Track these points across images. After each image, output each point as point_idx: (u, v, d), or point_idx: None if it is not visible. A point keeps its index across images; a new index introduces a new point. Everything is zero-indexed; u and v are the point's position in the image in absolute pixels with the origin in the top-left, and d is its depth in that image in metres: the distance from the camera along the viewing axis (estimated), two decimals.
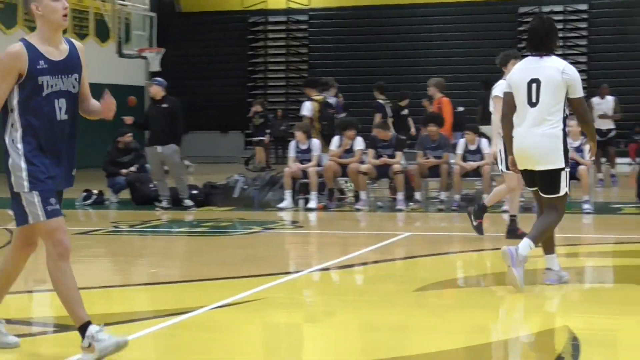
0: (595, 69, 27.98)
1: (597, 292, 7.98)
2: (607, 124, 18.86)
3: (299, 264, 9.87)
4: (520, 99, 7.59)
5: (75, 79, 5.30)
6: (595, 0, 28.94)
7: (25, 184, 5.13)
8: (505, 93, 7.83)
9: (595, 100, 19.06)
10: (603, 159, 18.78)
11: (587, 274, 9.06)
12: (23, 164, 5.14)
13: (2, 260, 5.58)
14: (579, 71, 24.11)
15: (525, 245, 7.50)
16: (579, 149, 13.80)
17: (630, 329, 6.42)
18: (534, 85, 7.50)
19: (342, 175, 15.09)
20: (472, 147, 14.65)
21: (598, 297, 7.67)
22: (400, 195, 14.59)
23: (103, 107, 5.45)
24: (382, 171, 14.83)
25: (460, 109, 17.32)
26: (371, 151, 14.99)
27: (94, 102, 5.56)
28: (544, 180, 7.57)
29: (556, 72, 7.49)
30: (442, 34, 29.47)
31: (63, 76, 5.24)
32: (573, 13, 29.06)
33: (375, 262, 9.56)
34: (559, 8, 29.19)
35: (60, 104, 5.22)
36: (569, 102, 7.60)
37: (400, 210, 14.38)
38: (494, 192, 11.16)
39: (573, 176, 13.84)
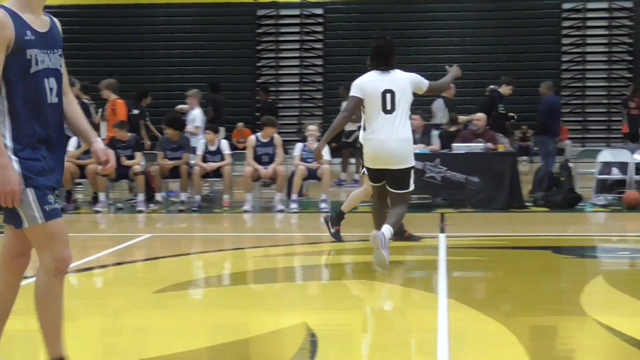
0: (331, 71, 28.88)
1: (333, 288, 8.23)
2: (351, 126, 19.30)
3: (35, 268, 9.53)
4: (375, 106, 8.57)
5: (60, 55, 4.48)
6: (330, 5, 29.85)
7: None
8: (357, 97, 8.74)
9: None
10: (352, 160, 19.36)
11: (324, 270, 9.32)
12: (12, 156, 4.29)
13: None
14: (315, 74, 24.85)
15: (387, 229, 8.33)
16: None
17: (364, 323, 6.69)
18: (388, 95, 8.53)
19: (80, 177, 14.74)
20: (212, 148, 14.72)
21: (334, 293, 7.91)
22: (140, 197, 14.44)
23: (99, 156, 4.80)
24: (122, 172, 14.61)
25: (135, 111, 17.03)
26: (110, 152, 14.71)
27: (76, 108, 4.69)
28: (397, 178, 8.57)
29: (406, 83, 8.64)
30: (183, 35, 29.40)
31: (49, 51, 4.39)
32: (309, 17, 29.83)
33: (116, 264, 9.40)
34: (296, 12, 29.88)
35: (51, 84, 4.39)
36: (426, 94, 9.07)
37: (140, 211, 14.22)
38: (351, 196, 10.81)
39: (314, 175, 14.27)
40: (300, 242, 11.44)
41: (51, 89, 4.39)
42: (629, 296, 7.18)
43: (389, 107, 8.53)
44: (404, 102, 8.59)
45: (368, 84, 8.68)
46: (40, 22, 4.41)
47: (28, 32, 4.31)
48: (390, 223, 8.45)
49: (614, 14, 29.01)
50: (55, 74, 4.43)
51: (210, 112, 18.50)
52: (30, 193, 4.33)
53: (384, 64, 8.70)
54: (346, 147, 19.27)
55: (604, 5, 28.95)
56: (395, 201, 8.69)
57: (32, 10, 4.38)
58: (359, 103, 8.73)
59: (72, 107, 4.65)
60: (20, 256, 4.62)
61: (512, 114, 17.59)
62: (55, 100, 4.42)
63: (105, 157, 4.75)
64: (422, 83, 8.83)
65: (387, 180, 8.64)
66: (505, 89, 16.71)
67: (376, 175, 8.74)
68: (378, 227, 8.57)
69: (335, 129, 9.15)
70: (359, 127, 18.88)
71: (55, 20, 4.58)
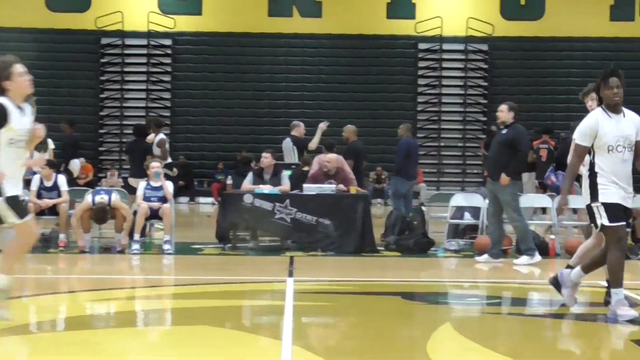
0: (179, 105, 28.86)
1: (175, 333, 8.19)
2: None
3: None
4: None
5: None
6: (179, 36, 29.88)
7: None
8: None
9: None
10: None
11: (166, 315, 9.27)
12: None
13: None
14: (164, 107, 24.67)
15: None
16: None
17: None
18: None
19: None
20: (48, 184, 14.45)
21: (175, 339, 7.88)
22: None
23: None
24: None
25: None
26: None
27: None
28: None
29: None
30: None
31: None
32: (157, 48, 29.77)
33: None
34: (143, 42, 29.77)
35: None
36: None
37: None
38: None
39: (157, 216, 14.17)
40: (140, 285, 11.35)
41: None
42: (476, 344, 7.41)
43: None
44: None
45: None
46: None
47: None
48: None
49: (470, 56, 30.04)
50: None
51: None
52: None
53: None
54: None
55: (460, 47, 29.95)
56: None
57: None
58: None
59: None
60: None
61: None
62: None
63: None
64: None
65: None
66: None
67: None
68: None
69: None
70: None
71: None
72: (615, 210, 8.32)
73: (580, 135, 8.52)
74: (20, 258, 8.20)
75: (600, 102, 8.60)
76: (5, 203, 7.59)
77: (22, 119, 7.67)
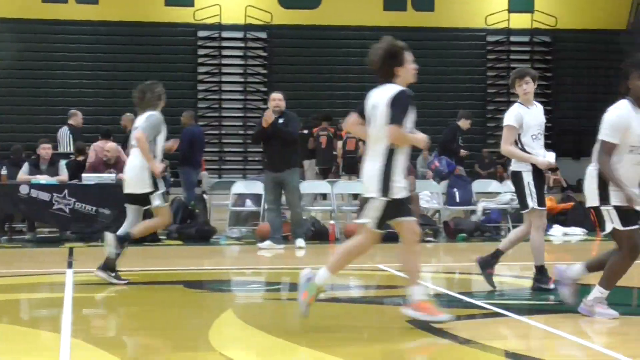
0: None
1: None
2: None
3: None
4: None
5: None
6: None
7: None
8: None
9: None
10: None
11: None
12: None
13: None
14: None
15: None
16: None
17: None
18: None
19: None
20: None
21: None
22: None
23: None
24: None
25: None
26: None
27: None
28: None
29: None
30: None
31: None
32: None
33: None
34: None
35: None
36: None
37: None
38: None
39: None
40: None
41: None
42: (256, 329, 7.50)
43: None
44: None
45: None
46: None
47: None
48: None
49: (249, 44, 30.28)
50: None
51: None
52: None
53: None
54: None
55: (240, 34, 30.11)
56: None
57: None
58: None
59: None
60: None
61: None
62: None
63: None
64: None
65: None
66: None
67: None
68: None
69: None
70: None
71: None
72: (628, 214, 7.52)
73: (610, 130, 7.48)
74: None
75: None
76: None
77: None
